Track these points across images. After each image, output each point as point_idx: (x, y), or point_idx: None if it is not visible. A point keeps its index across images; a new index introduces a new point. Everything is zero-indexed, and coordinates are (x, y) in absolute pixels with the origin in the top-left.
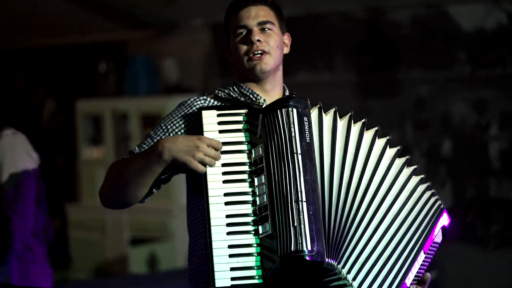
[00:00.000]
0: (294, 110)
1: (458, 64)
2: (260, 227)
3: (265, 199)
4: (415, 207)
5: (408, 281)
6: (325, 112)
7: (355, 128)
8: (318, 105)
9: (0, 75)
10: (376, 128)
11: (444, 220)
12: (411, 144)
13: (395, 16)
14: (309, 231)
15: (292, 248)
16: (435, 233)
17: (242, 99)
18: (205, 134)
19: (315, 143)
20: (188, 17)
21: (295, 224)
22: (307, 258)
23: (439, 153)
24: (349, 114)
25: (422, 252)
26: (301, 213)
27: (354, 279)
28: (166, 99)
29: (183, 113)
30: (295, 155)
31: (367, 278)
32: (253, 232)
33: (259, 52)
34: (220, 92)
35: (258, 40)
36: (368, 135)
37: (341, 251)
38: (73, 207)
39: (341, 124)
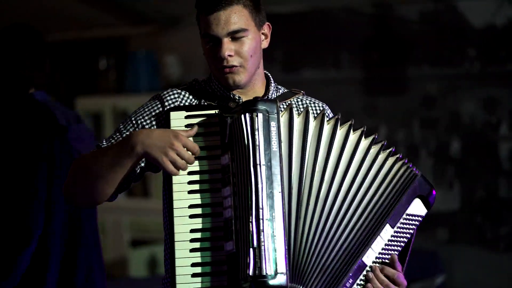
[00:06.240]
0: (260, 115)
1: (468, 61)
2: (225, 244)
3: (231, 213)
4: (386, 191)
5: (367, 258)
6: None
7: (328, 128)
8: (289, 106)
9: None
10: (362, 128)
11: (421, 189)
12: (418, 143)
13: (402, 11)
14: (271, 252)
15: (251, 272)
16: (404, 203)
17: (219, 93)
18: None
19: (284, 150)
20: (191, 12)
21: (255, 245)
22: (266, 283)
23: (447, 152)
24: (322, 113)
25: (387, 225)
26: (262, 233)
27: None
28: None
29: (154, 107)
30: (257, 166)
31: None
32: (218, 249)
33: (230, 66)
34: (196, 84)
35: (229, 55)
36: (342, 131)
37: (307, 272)
38: None
39: (313, 125)
